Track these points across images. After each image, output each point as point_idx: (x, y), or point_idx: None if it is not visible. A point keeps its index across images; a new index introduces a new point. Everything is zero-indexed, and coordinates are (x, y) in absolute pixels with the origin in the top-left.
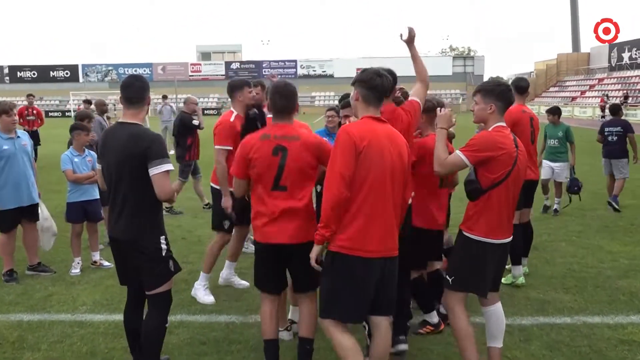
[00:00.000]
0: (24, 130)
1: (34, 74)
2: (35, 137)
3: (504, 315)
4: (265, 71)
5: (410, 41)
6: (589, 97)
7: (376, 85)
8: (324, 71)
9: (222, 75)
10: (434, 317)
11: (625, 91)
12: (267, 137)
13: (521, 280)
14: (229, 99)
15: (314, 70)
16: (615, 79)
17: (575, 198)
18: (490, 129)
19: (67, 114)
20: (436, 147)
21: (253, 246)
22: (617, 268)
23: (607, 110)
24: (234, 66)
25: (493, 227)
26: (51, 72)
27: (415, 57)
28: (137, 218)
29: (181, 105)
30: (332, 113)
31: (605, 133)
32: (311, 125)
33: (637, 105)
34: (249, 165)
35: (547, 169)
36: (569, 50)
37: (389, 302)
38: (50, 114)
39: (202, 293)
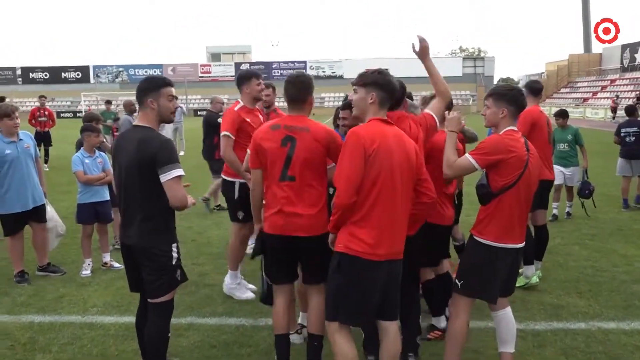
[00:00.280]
0: (37, 130)
1: (45, 75)
2: (46, 138)
3: (518, 320)
4: (274, 72)
5: (423, 54)
6: (601, 98)
7: (394, 89)
8: (334, 72)
9: (231, 76)
10: (442, 322)
11: (638, 92)
12: (278, 127)
13: (535, 279)
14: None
15: (323, 71)
16: (628, 80)
17: (588, 203)
18: (501, 133)
19: (78, 114)
20: (445, 149)
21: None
22: (632, 272)
23: (618, 112)
24: (243, 67)
25: (504, 232)
26: (63, 74)
27: (430, 71)
28: (148, 224)
29: (192, 106)
30: (347, 114)
31: (622, 134)
32: None
33: None
34: (260, 155)
35: (558, 174)
36: (580, 51)
37: (394, 306)
38: (61, 114)
39: (239, 292)
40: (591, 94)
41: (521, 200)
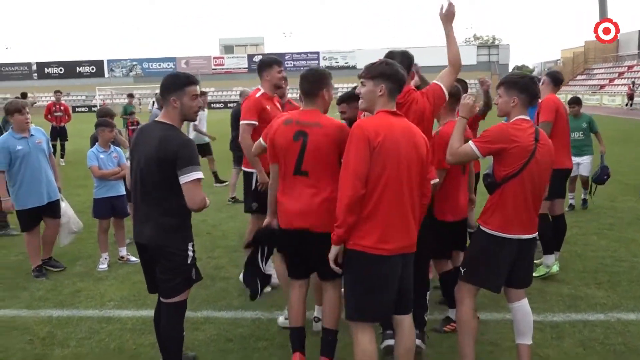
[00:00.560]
0: (53, 125)
1: (60, 70)
2: (62, 132)
3: (536, 312)
4: (287, 63)
5: (448, 18)
6: (618, 84)
7: (402, 78)
8: (347, 62)
9: (244, 68)
10: None
11: None
12: (290, 122)
13: (555, 268)
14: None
15: (336, 62)
16: None
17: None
18: (509, 122)
19: (93, 109)
20: (453, 134)
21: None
22: None
23: (635, 99)
24: (256, 59)
25: (508, 222)
26: (77, 68)
27: (449, 36)
28: (165, 222)
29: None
30: (344, 107)
31: None
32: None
33: None
34: (276, 149)
35: (573, 164)
36: None
37: (408, 299)
38: (77, 109)
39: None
40: (608, 80)
41: (526, 191)
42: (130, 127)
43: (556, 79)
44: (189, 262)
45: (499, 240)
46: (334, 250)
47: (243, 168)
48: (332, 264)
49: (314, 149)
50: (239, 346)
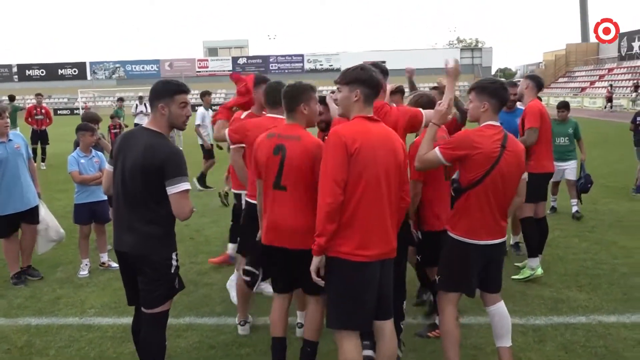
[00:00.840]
0: (33, 129)
1: (42, 72)
2: (43, 136)
3: (518, 315)
4: (272, 66)
5: (454, 74)
6: (599, 87)
7: (377, 83)
8: (331, 65)
9: (229, 70)
10: None
11: (635, 81)
12: (272, 136)
13: (540, 271)
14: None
15: (320, 65)
16: (625, 69)
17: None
18: (476, 127)
19: (75, 111)
20: (422, 141)
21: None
22: (632, 264)
23: (614, 101)
24: (240, 61)
25: (473, 228)
26: (59, 70)
27: (449, 90)
28: (148, 231)
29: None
30: (322, 108)
31: (638, 122)
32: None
33: None
34: (258, 164)
35: (557, 171)
36: (577, 40)
37: (388, 305)
38: (58, 112)
39: (234, 291)
40: (589, 83)
41: (490, 197)
42: (112, 131)
43: (540, 83)
44: (172, 271)
45: (466, 245)
46: (315, 261)
47: (233, 190)
48: (313, 276)
49: (291, 163)
50: (222, 353)
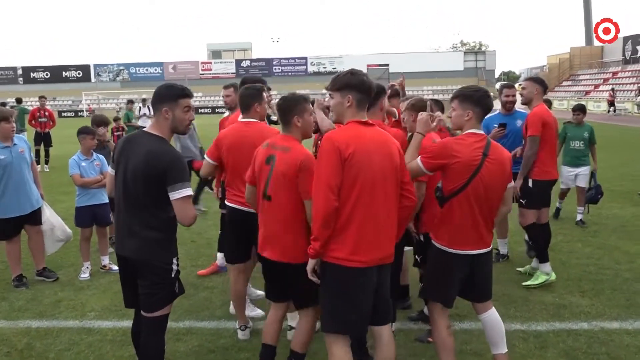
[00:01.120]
0: (37, 131)
1: (46, 74)
2: (47, 138)
3: (520, 321)
4: (275, 69)
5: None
6: (603, 91)
7: (369, 87)
8: (335, 68)
9: (232, 73)
10: None
11: (639, 84)
12: (267, 145)
13: (553, 276)
14: None
15: (324, 67)
16: (630, 72)
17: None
18: (458, 135)
19: (79, 114)
20: (407, 150)
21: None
22: (635, 270)
23: (617, 105)
24: (244, 64)
25: (455, 238)
26: (64, 73)
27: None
28: (149, 236)
29: (193, 104)
30: None
31: None
32: None
33: None
34: (255, 172)
35: (569, 176)
36: (582, 44)
37: (386, 310)
38: (63, 114)
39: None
40: (593, 86)
41: (473, 206)
42: (115, 134)
43: (546, 87)
44: (172, 276)
45: (448, 255)
46: (311, 262)
47: (227, 203)
48: (310, 275)
49: (277, 174)
50: (222, 357)
